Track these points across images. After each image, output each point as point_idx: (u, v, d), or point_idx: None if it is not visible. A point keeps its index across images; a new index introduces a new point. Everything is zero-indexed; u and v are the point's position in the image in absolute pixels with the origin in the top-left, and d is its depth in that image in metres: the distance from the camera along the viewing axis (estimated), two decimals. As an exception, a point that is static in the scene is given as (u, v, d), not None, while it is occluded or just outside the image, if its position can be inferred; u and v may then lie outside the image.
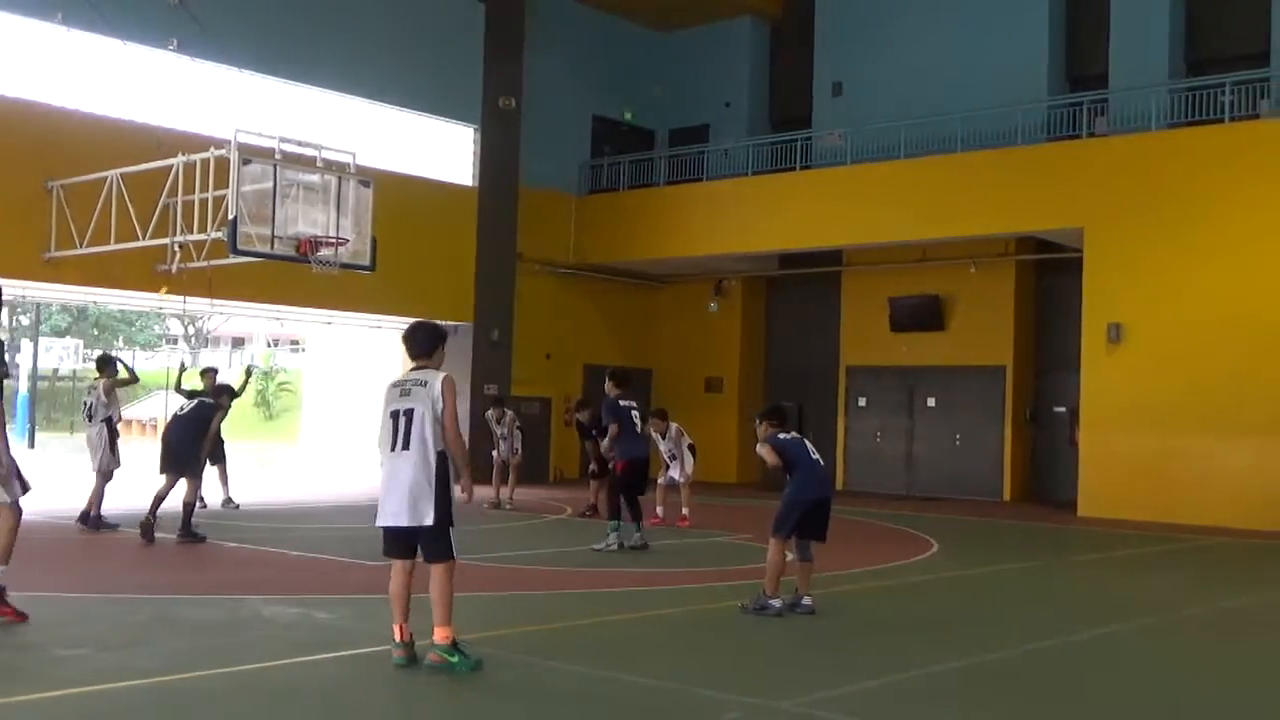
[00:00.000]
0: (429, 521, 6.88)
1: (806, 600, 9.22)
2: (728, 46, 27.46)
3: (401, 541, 7.06)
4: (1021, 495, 23.27)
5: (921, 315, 24.10)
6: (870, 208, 22.49)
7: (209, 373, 16.66)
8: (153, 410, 44.04)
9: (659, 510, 16.37)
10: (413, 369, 7.23)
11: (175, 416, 13.66)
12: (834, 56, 25.84)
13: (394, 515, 6.95)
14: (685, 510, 16.29)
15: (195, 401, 13.69)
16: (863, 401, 25.38)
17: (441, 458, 6.95)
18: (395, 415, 6.97)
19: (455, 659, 6.91)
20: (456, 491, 7.08)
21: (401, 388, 7.08)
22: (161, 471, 13.17)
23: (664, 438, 16.50)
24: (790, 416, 9.78)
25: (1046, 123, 22.03)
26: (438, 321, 7.78)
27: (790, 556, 9.31)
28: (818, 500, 9.28)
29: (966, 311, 23.83)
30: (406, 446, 6.91)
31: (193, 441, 13.28)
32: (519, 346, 24.79)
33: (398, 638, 7.13)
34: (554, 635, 8.54)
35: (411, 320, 7.68)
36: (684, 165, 25.89)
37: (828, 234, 23.31)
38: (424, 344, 7.26)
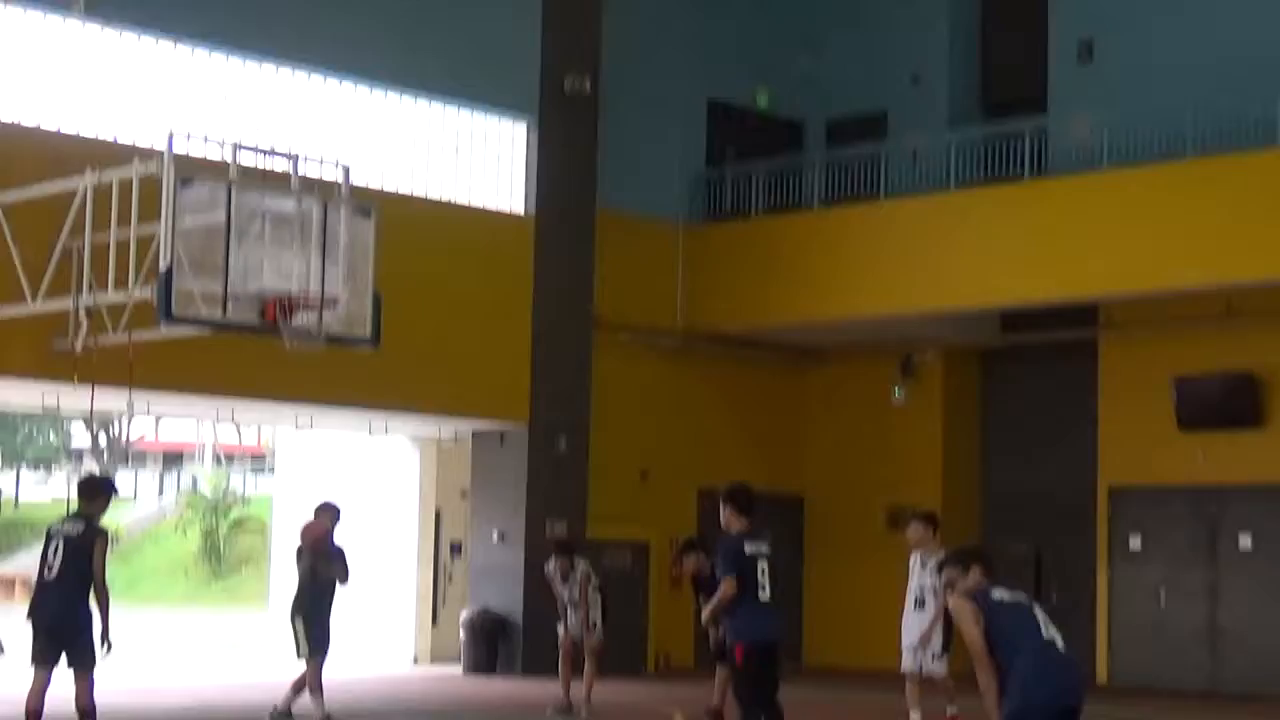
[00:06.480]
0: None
1: None
2: (914, -2, 27.63)
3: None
4: (1399, 686, 22.68)
5: (1227, 404, 23.84)
6: (1141, 237, 22.27)
7: None
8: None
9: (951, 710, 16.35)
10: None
11: None
12: (1081, 3, 25.82)
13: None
14: (953, 709, 16.22)
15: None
16: (1136, 543, 25.09)
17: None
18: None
19: None
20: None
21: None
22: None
23: (923, 567, 16.06)
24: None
25: None
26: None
27: None
28: (1060, 711, 8.82)
29: (1299, 398, 23.51)
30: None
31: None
32: (599, 461, 24.74)
33: None
34: None
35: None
36: (849, 174, 25.84)
37: (1076, 279, 23.16)
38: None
